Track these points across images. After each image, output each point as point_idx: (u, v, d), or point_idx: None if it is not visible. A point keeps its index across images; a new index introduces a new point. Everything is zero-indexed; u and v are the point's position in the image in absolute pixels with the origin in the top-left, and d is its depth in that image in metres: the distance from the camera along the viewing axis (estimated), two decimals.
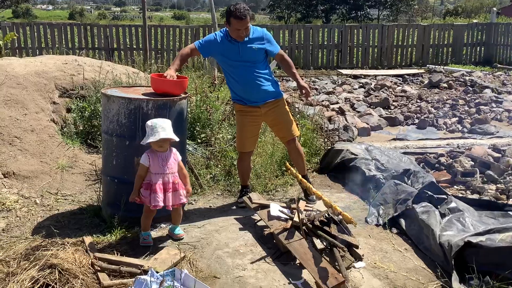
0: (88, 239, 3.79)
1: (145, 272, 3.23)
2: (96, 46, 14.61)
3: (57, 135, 5.72)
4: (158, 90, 4.27)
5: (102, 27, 15.01)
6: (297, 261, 3.68)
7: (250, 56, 4.39)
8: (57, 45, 14.23)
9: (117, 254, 3.65)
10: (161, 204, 3.74)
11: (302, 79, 4.62)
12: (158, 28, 15.09)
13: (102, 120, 4.34)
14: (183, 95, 4.29)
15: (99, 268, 3.35)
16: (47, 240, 3.76)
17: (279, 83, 11.11)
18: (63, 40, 14.42)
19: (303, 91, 4.53)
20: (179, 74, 4.44)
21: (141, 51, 13.66)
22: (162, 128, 3.71)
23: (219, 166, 5.47)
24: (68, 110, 6.28)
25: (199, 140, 5.79)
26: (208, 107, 6.05)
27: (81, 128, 6.11)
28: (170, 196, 3.81)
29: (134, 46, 14.62)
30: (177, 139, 3.81)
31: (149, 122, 3.76)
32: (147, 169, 3.78)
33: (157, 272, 3.14)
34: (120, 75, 6.41)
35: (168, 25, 16.39)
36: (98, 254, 3.51)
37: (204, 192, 5.03)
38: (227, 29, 4.38)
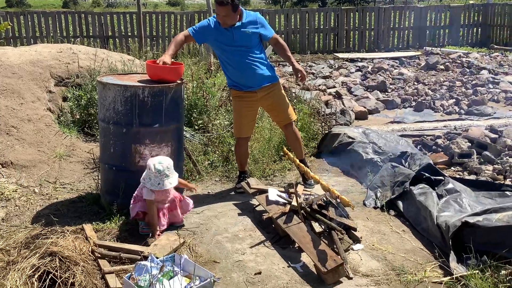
0: (87, 227, 3.81)
1: (145, 258, 3.25)
2: (91, 34, 14.49)
3: (54, 124, 5.71)
4: (154, 77, 4.26)
5: (96, 14, 14.88)
6: (296, 245, 3.71)
7: (244, 40, 4.37)
8: (51, 34, 14.12)
9: (117, 241, 3.68)
10: (166, 227, 3.92)
11: (298, 63, 4.60)
12: (152, 14, 14.97)
13: (99, 108, 4.34)
14: (179, 82, 4.28)
15: (99, 255, 3.37)
16: (46, 228, 3.78)
17: (276, 68, 11.08)
18: (58, 29, 14.30)
19: (299, 75, 4.52)
20: (174, 61, 4.42)
21: (136, 39, 13.59)
22: (166, 176, 3.72)
23: (217, 152, 5.48)
24: (64, 99, 6.26)
25: (196, 127, 5.79)
26: (204, 93, 6.04)
27: (77, 116, 6.10)
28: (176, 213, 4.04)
29: (129, 34, 14.51)
30: (176, 183, 3.85)
31: (151, 165, 3.72)
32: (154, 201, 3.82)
33: (157, 258, 3.16)
34: (115, 63, 6.38)
35: (163, 11, 16.26)
36: (98, 241, 3.53)
37: (203, 178, 5.05)
38: None
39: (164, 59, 4.17)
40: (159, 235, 3.77)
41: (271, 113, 4.88)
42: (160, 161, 3.73)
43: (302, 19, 15.73)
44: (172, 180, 3.77)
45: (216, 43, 4.44)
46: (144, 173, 3.78)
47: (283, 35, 15.07)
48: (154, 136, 4.16)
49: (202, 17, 14.73)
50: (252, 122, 4.74)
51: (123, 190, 4.12)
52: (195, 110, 5.90)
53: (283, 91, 4.70)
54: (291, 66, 4.58)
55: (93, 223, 3.98)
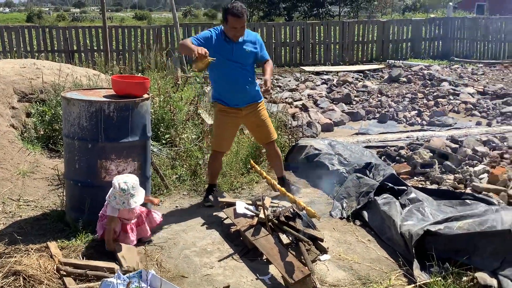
0: (52, 245, 3.74)
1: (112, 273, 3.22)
2: (55, 48, 14.28)
3: (17, 141, 5.60)
4: (120, 92, 4.25)
5: (61, 29, 14.67)
6: (264, 257, 3.73)
7: (242, 57, 4.40)
8: (15, 49, 13.85)
9: (83, 259, 3.63)
10: (135, 242, 3.87)
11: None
12: (119, 28, 14.87)
13: (63, 123, 4.29)
14: (145, 96, 4.28)
15: (65, 273, 3.32)
16: (10, 247, 3.70)
17: None
18: (21, 43, 14.03)
19: (264, 86, 4.35)
20: (141, 76, 4.43)
21: (102, 53, 13.48)
22: (131, 196, 3.70)
23: (185, 166, 5.47)
24: (28, 115, 6.16)
25: (163, 141, 5.78)
26: (171, 107, 6.04)
27: (41, 132, 6.00)
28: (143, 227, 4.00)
29: (95, 48, 14.37)
30: (142, 201, 3.83)
31: (116, 184, 3.69)
32: (118, 219, 3.80)
33: (125, 273, 3.14)
34: (80, 78, 6.33)
35: (129, 25, 16.19)
36: (63, 259, 3.48)
37: (170, 192, 5.03)
38: (222, 27, 4.40)
39: (199, 50, 4.02)
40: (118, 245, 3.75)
41: (254, 131, 4.86)
42: (125, 180, 3.70)
43: (268, 33, 15.90)
44: (138, 198, 3.76)
45: (214, 55, 4.29)
46: (109, 191, 3.75)
47: None
48: (120, 151, 4.14)
49: (169, 31, 14.73)
50: (232, 137, 4.79)
51: (89, 206, 4.07)
52: (162, 124, 5.89)
53: (266, 110, 4.75)
54: (263, 77, 4.42)
55: (58, 240, 3.91)
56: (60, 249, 3.73)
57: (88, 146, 4.10)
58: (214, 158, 4.76)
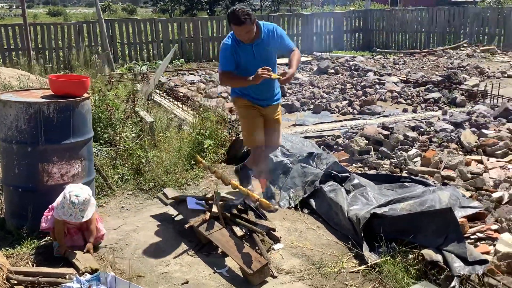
0: None
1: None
2: None
3: None
4: (59, 92, 4.10)
5: None
6: (219, 251, 3.77)
7: (264, 57, 4.17)
8: None
9: (33, 266, 3.49)
10: (82, 243, 3.73)
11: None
12: (37, 26, 14.15)
13: None
14: (86, 95, 4.16)
15: (15, 282, 3.19)
16: None
17: (175, 77, 11.04)
18: None
19: (284, 77, 4.06)
20: (80, 74, 4.29)
21: (20, 52, 12.81)
22: (80, 210, 3.54)
23: (126, 165, 5.37)
24: None
25: (102, 141, 5.63)
26: (108, 106, 5.89)
27: None
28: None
29: (12, 47, 13.59)
30: (90, 216, 3.65)
31: (67, 194, 3.52)
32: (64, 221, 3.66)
33: (81, 275, 3.06)
34: (9, 79, 6.01)
35: (49, 22, 15.46)
36: (12, 268, 3.33)
37: (114, 193, 4.92)
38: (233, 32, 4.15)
39: (260, 74, 3.89)
40: (69, 251, 3.64)
41: (266, 132, 4.50)
42: (77, 193, 3.52)
43: (195, 27, 15.81)
44: (87, 213, 3.58)
45: (240, 64, 4.18)
46: (59, 197, 3.61)
47: (177, 44, 15.03)
48: (62, 153, 4.01)
49: (91, 27, 14.22)
50: (262, 129, 4.43)
51: (32, 212, 3.93)
52: (100, 124, 5.73)
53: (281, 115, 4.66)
54: (289, 69, 4.16)
55: (3, 249, 3.73)
56: (6, 258, 3.56)
57: (27, 149, 3.94)
58: (260, 155, 4.45)
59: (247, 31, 4.02)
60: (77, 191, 3.56)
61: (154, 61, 14.45)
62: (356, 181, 4.44)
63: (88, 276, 3.14)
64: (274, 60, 4.35)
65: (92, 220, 3.72)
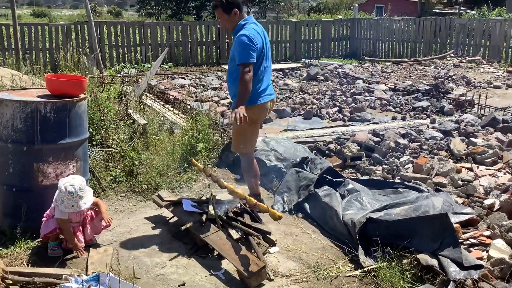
0: None
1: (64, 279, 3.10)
2: None
3: None
4: (56, 91, 4.08)
5: None
6: (215, 253, 3.77)
7: (232, 51, 4.11)
8: None
9: (28, 266, 3.46)
10: (83, 244, 3.76)
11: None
12: (24, 26, 14.00)
13: None
14: (82, 96, 4.15)
15: (11, 282, 3.16)
16: None
17: (165, 80, 11.00)
18: None
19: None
20: (77, 75, 4.27)
21: (6, 52, 12.67)
22: (80, 197, 3.58)
23: (119, 167, 5.35)
24: None
25: (94, 142, 5.59)
26: (100, 107, 5.85)
27: None
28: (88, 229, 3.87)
29: None
30: (92, 201, 3.73)
31: (62, 187, 3.55)
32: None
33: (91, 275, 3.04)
34: (1, 79, 5.94)
35: (36, 23, 15.30)
36: (7, 268, 3.29)
37: (107, 194, 4.90)
38: None
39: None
40: (80, 250, 3.67)
41: None
42: (71, 183, 3.57)
43: (184, 31, 15.79)
44: (87, 199, 3.65)
45: None
46: (56, 194, 3.60)
47: (166, 47, 14.98)
48: (58, 153, 3.99)
49: (79, 28, 14.16)
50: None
51: (26, 212, 3.89)
52: (91, 125, 5.68)
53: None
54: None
55: None
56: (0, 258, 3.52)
57: (23, 149, 3.91)
58: (252, 160, 4.39)
59: (219, 17, 4.17)
60: (70, 181, 3.61)
61: (142, 64, 14.40)
62: (350, 186, 4.49)
63: (86, 276, 3.11)
64: (236, 68, 4.02)
65: (100, 206, 3.84)
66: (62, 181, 3.60)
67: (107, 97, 6.42)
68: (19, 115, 3.86)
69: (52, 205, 3.65)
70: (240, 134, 4.23)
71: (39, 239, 3.75)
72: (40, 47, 13.90)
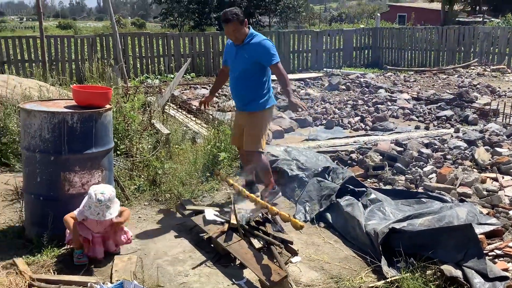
0: (19, 261, 3.60)
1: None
2: None
3: None
4: (82, 102, 4.17)
5: None
6: (237, 262, 3.79)
7: (238, 62, 4.52)
8: None
9: (54, 274, 3.53)
10: (102, 255, 3.80)
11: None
12: (51, 38, 14.35)
13: (22, 136, 4.15)
14: (108, 106, 4.23)
15: None
16: None
17: (187, 90, 11.10)
18: None
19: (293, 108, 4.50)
20: (102, 86, 4.37)
21: (33, 64, 12.96)
22: (107, 207, 3.66)
23: (142, 176, 5.42)
24: None
25: (118, 152, 5.69)
26: (125, 117, 5.95)
27: None
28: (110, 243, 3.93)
29: (26, 58, 13.77)
30: (117, 213, 3.78)
31: (92, 194, 3.63)
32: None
33: (103, 284, 3.09)
34: (29, 90, 6.09)
35: (62, 35, 15.67)
36: (34, 275, 3.36)
37: (131, 203, 4.96)
38: None
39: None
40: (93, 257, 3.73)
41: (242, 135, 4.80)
42: (102, 191, 3.65)
43: (206, 42, 15.96)
44: (113, 210, 3.71)
45: (226, 56, 4.73)
46: (84, 200, 3.69)
47: (188, 58, 15.18)
48: (84, 163, 4.06)
49: (104, 40, 14.44)
50: (237, 135, 4.93)
51: (52, 220, 3.96)
52: (116, 135, 5.79)
53: (262, 122, 4.67)
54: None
55: (23, 257, 3.77)
56: (27, 265, 3.60)
57: (50, 158, 3.99)
58: (263, 158, 4.82)
59: (233, 29, 4.37)
60: (101, 189, 3.68)
61: (165, 74, 14.58)
62: (373, 196, 4.47)
63: (110, 284, 3.16)
64: (244, 69, 4.51)
65: (124, 214, 3.90)
66: (93, 188, 3.68)
67: (131, 107, 6.52)
68: (46, 126, 3.95)
69: (78, 208, 3.73)
70: (262, 132, 4.64)
71: (65, 244, 3.83)
72: (66, 58, 14.21)
